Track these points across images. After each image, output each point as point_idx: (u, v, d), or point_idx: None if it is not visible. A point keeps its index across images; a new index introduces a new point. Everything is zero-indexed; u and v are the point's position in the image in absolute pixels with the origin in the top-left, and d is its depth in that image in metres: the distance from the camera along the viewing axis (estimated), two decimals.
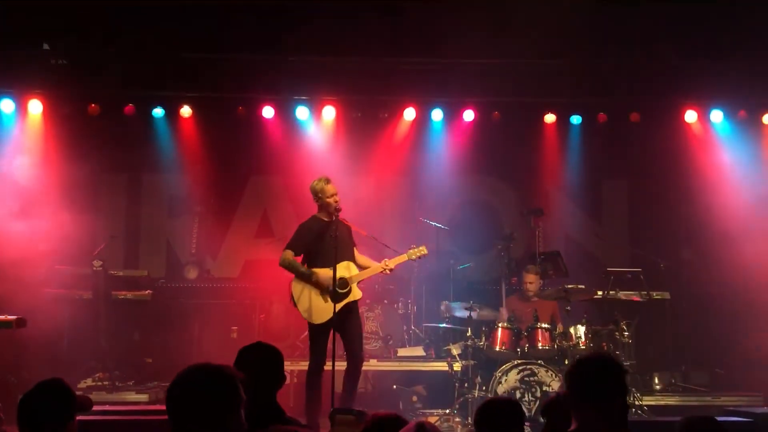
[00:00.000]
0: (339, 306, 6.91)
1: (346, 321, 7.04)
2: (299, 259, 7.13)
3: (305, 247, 7.09)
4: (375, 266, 7.12)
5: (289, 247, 7.11)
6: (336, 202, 7.08)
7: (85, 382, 8.78)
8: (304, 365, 8.52)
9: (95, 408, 4.24)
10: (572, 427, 3.43)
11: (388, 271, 7.15)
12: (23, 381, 8.17)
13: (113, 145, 10.25)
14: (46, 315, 8.49)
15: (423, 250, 7.19)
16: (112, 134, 10.17)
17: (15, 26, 8.89)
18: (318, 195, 7.16)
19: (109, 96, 9.98)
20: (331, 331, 7.08)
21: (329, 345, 7.04)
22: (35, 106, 9.79)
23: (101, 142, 10.14)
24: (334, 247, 6.86)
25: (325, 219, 7.16)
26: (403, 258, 7.20)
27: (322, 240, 7.03)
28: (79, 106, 9.95)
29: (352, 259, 7.14)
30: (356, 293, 7.03)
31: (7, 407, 7.06)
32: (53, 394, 3.40)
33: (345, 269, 6.99)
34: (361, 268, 7.19)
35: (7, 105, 9.76)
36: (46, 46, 9.33)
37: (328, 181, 7.18)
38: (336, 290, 6.88)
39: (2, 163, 9.52)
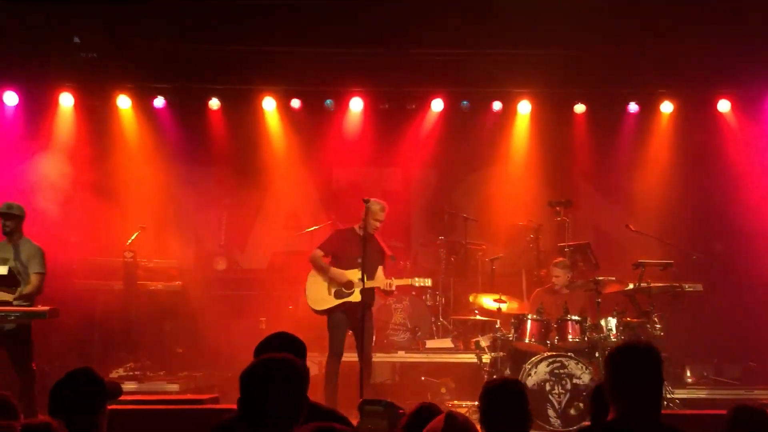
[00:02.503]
0: (338, 302, 7.88)
1: (360, 325, 7.82)
2: (327, 259, 8.06)
3: (333, 251, 8.06)
4: (381, 281, 7.92)
5: (320, 247, 8.14)
6: (376, 225, 7.90)
7: (117, 372, 8.89)
8: None
9: (127, 397, 4.28)
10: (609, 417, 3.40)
11: (390, 288, 7.97)
12: (56, 370, 8.29)
13: (142, 137, 10.34)
14: (78, 305, 8.62)
15: (428, 281, 8.36)
16: (142, 126, 10.26)
17: (46, 20, 8.98)
18: (368, 213, 7.90)
19: (139, 88, 10.07)
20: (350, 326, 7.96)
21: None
22: (66, 99, 9.90)
23: (131, 134, 10.24)
24: (361, 257, 7.75)
25: (360, 233, 7.92)
26: (407, 281, 8.29)
27: (349, 249, 7.90)
28: (109, 99, 10.05)
29: (366, 270, 7.77)
30: (356, 296, 7.81)
31: (40, 396, 7.18)
32: (84, 383, 3.44)
33: (354, 275, 7.83)
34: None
35: (40, 98, 9.87)
36: (76, 40, 9.41)
37: (383, 208, 7.96)
38: (342, 290, 7.90)
39: (35, 156, 9.63)
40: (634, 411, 3.31)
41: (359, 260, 7.67)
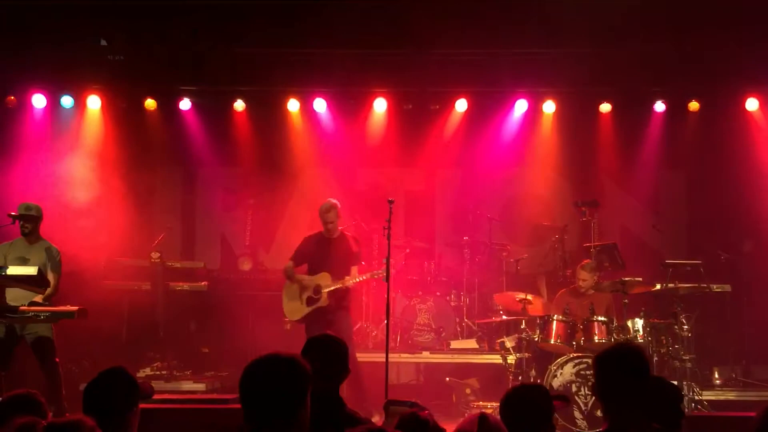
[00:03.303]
0: (310, 308, 7.96)
1: (332, 326, 7.71)
2: (302, 268, 8.21)
3: (303, 259, 8.22)
4: (343, 280, 7.93)
5: (291, 258, 8.24)
6: (329, 227, 8.04)
7: (144, 371, 9.00)
8: (357, 356, 8.60)
9: (154, 396, 4.32)
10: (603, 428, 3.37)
11: (346, 287, 7.92)
12: (84, 370, 8.42)
13: (169, 139, 10.45)
14: (106, 306, 8.71)
15: (382, 272, 7.85)
16: (168, 128, 10.36)
17: (74, 23, 9.10)
18: (320, 215, 8.12)
19: (165, 91, 10.17)
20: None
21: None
22: (94, 102, 10.02)
23: (158, 136, 10.35)
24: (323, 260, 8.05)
25: (326, 236, 8.13)
26: (366, 276, 8.09)
27: (316, 253, 8.10)
28: (136, 101, 10.15)
29: (333, 271, 7.97)
30: (323, 300, 7.92)
31: (69, 395, 7.28)
32: (117, 382, 3.49)
33: (321, 279, 7.98)
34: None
35: (67, 100, 10.01)
36: (103, 42, 9.51)
37: (329, 209, 8.06)
38: (312, 296, 7.98)
39: (63, 158, 9.76)
40: (625, 417, 3.27)
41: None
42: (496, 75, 9.82)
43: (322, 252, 8.10)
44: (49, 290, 7.24)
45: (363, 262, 8.54)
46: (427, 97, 10.32)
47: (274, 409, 2.89)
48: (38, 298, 7.15)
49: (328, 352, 3.97)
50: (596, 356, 3.58)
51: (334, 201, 8.16)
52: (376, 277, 8.10)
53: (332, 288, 7.91)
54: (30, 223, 7.40)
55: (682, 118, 10.16)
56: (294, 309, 8.10)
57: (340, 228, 8.22)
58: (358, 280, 8.02)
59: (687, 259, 8.85)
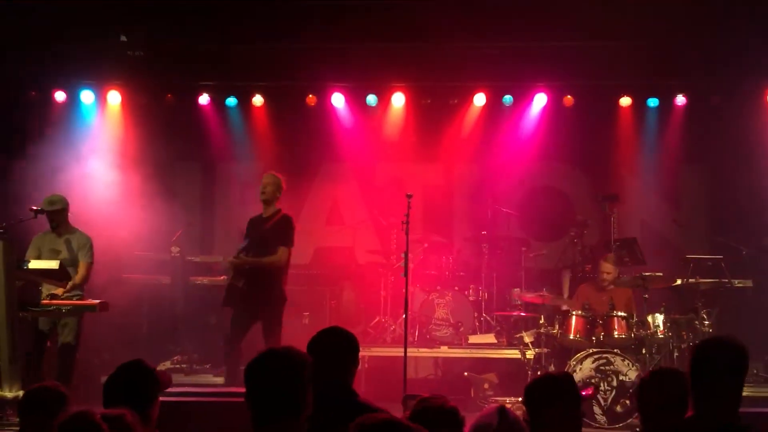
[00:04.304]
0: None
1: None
2: None
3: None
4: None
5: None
6: (260, 198, 7.70)
7: (164, 365, 9.06)
8: (375, 351, 8.64)
9: (174, 389, 4.35)
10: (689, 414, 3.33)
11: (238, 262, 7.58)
12: (105, 363, 8.49)
13: (188, 134, 10.50)
14: (126, 299, 8.78)
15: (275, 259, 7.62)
16: (187, 124, 10.41)
17: (94, 19, 9.16)
18: None
19: (184, 86, 10.22)
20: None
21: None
22: (114, 97, 10.09)
23: (177, 131, 10.40)
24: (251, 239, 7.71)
25: (262, 215, 7.76)
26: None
27: (252, 234, 7.71)
28: (156, 97, 10.21)
29: (251, 252, 7.61)
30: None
31: (91, 388, 7.34)
32: (137, 375, 3.52)
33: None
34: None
35: (88, 96, 10.09)
36: (123, 38, 9.57)
37: (263, 178, 7.74)
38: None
39: (84, 153, 9.83)
40: (714, 408, 3.22)
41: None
42: (516, 69, 9.77)
43: (254, 232, 7.74)
44: (78, 278, 7.34)
45: (282, 246, 7.70)
46: (446, 92, 10.30)
47: (277, 405, 2.91)
48: (58, 291, 7.22)
49: (330, 348, 3.96)
50: (696, 345, 3.51)
51: (272, 173, 7.81)
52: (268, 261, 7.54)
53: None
54: (56, 216, 7.47)
55: (703, 112, 10.06)
56: None
57: (278, 206, 7.77)
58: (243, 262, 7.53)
59: (708, 254, 8.78)
